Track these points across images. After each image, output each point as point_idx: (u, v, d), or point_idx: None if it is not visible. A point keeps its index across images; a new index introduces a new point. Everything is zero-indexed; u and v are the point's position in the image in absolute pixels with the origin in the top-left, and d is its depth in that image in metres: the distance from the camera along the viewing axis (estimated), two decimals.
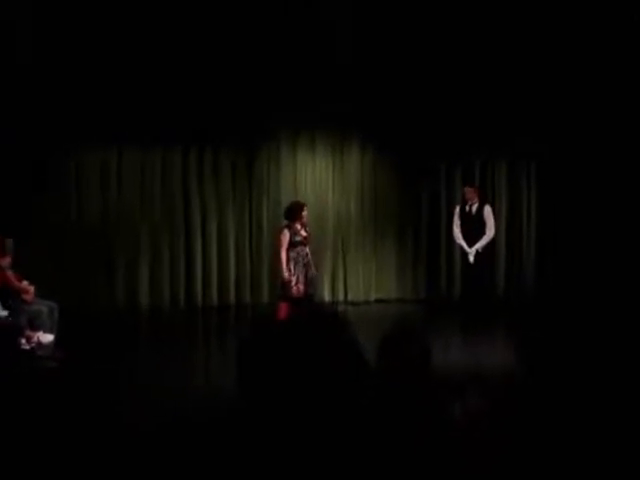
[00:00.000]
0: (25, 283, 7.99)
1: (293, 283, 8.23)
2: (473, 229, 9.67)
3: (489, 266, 10.19)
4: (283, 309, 8.30)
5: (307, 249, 8.49)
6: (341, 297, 11.68)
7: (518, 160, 11.93)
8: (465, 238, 9.73)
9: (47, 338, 7.81)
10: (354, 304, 11.48)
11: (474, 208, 9.73)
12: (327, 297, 11.55)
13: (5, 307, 7.66)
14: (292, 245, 8.31)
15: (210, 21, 9.16)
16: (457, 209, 10.00)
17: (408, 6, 8.91)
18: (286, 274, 8.23)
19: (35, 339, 7.67)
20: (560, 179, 11.55)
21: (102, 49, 9.71)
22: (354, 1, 8.73)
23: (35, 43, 9.36)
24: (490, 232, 9.68)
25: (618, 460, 2.16)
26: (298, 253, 8.33)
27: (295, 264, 8.30)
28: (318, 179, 11.60)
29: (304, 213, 8.48)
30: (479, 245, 9.62)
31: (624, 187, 10.99)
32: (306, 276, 8.39)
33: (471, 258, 9.64)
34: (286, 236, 8.31)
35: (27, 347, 7.52)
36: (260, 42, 9.79)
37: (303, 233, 8.46)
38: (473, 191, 9.83)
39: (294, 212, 8.45)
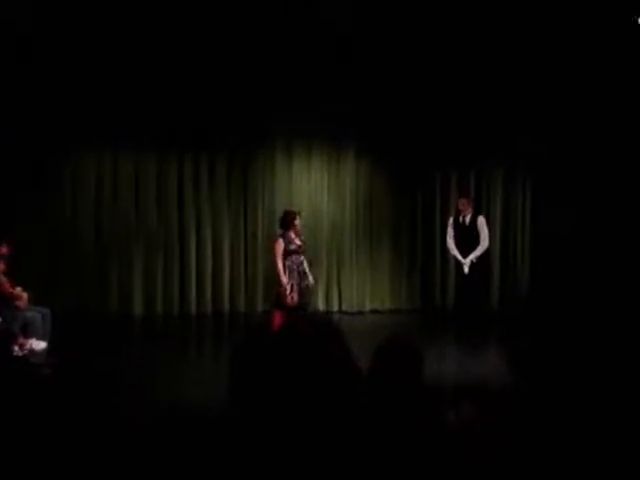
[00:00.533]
0: (18, 290, 7.97)
1: (287, 292, 8.22)
2: (467, 240, 9.66)
3: (484, 277, 10.19)
4: (277, 318, 8.29)
5: (302, 258, 8.50)
6: (335, 307, 11.65)
7: (513, 170, 11.95)
8: (459, 249, 9.73)
9: (40, 345, 7.79)
10: (348, 314, 11.47)
11: (467, 219, 9.73)
12: (321, 307, 11.54)
13: None
14: (287, 254, 8.31)
15: (207, 29, 9.18)
16: (450, 220, 10.00)
17: (403, 17, 8.94)
18: (283, 282, 8.23)
19: (28, 346, 7.65)
20: (555, 189, 11.57)
21: (100, 54, 9.72)
22: (352, 8, 8.75)
23: (34, 46, 9.36)
24: (484, 242, 9.68)
25: (616, 469, 2.16)
26: (292, 262, 8.33)
27: (290, 273, 8.29)
28: (313, 188, 11.60)
29: (296, 222, 8.48)
30: (473, 256, 9.61)
31: (619, 198, 11.02)
32: (300, 285, 8.39)
33: (466, 269, 9.63)
34: (280, 245, 8.31)
35: (20, 354, 7.49)
36: (256, 50, 9.80)
37: (297, 242, 8.46)
38: (467, 202, 9.82)
39: (287, 221, 8.46)
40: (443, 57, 10.06)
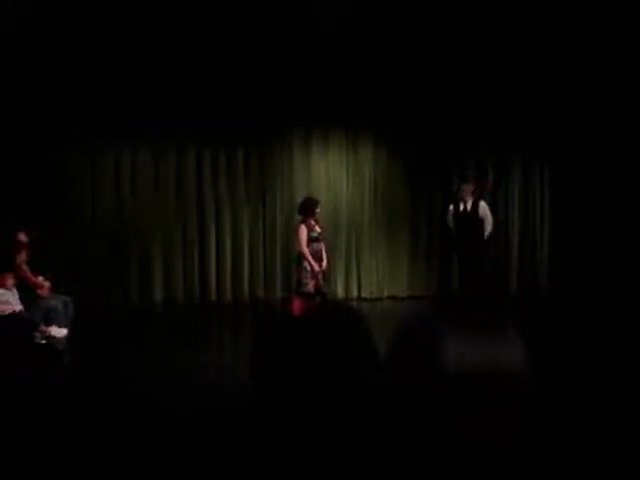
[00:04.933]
0: (40, 278, 8.03)
1: (309, 279, 8.25)
2: (468, 227, 9.61)
3: (500, 261, 10.12)
4: (296, 304, 8.30)
5: (322, 245, 8.53)
6: (354, 294, 11.70)
7: (532, 158, 11.90)
8: (460, 237, 9.68)
9: (61, 333, 7.85)
10: (367, 300, 11.50)
11: (469, 205, 9.69)
12: (340, 293, 11.58)
13: (20, 302, 7.71)
14: (309, 241, 8.34)
15: (223, 22, 9.16)
16: (450, 208, 9.91)
17: (418, 1, 8.86)
18: (316, 268, 8.24)
19: (49, 333, 7.72)
20: (574, 178, 11.50)
21: (116, 49, 9.73)
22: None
23: (49, 41, 9.38)
24: (489, 227, 9.68)
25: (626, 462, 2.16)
26: (314, 249, 8.36)
27: (313, 260, 8.33)
28: (331, 176, 11.62)
29: (317, 210, 8.50)
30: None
31: (638, 184, 10.92)
32: (323, 272, 8.46)
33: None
34: (304, 231, 8.33)
35: (41, 342, 7.56)
36: (272, 41, 9.77)
37: (317, 229, 8.49)
38: (469, 190, 9.79)
39: (307, 208, 8.47)
40: (461, 44, 9.96)
